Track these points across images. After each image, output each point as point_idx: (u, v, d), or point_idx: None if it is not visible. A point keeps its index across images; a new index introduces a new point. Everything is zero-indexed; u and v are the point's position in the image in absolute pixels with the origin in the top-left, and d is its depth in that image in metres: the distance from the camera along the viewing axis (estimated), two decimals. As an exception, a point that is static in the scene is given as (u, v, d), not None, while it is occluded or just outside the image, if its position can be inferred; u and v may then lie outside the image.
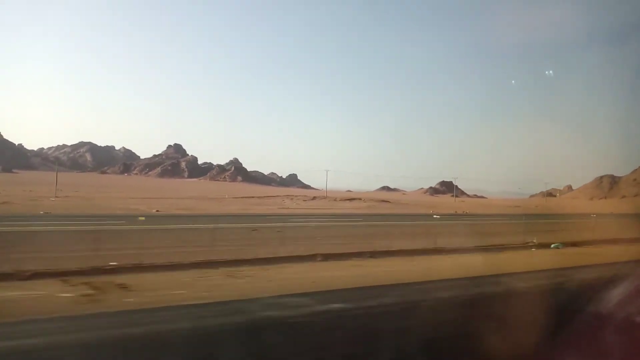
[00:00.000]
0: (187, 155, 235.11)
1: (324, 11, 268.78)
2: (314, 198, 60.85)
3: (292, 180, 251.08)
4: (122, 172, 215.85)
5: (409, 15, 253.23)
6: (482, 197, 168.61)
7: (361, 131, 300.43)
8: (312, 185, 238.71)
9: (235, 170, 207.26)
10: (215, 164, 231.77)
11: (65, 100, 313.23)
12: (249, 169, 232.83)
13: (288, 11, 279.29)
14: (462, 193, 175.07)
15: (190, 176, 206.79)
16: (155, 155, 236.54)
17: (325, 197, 61.44)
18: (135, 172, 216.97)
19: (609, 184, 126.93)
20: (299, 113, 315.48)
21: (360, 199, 63.33)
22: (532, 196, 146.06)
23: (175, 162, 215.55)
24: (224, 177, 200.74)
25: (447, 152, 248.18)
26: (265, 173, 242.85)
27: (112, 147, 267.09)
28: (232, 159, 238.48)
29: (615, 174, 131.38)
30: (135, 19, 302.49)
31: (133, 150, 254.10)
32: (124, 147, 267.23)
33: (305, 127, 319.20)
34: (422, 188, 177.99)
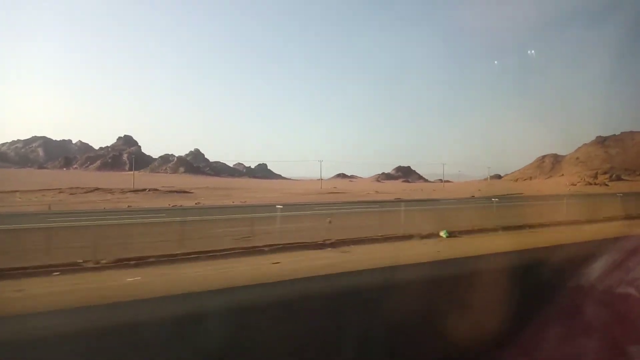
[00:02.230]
0: (137, 146, 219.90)
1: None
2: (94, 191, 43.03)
3: (261, 171, 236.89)
4: (62, 167, 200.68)
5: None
6: (447, 181, 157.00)
7: (335, 120, 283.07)
8: (282, 175, 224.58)
9: (177, 162, 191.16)
10: (177, 155, 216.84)
11: (20, 94, 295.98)
12: (211, 160, 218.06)
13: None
14: (420, 178, 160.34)
15: (132, 168, 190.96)
16: (101, 148, 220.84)
17: (145, 190, 43.23)
18: (75, 166, 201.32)
19: (550, 164, 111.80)
20: (270, 103, 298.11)
21: (187, 192, 45.63)
22: (492, 178, 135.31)
23: (116, 155, 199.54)
24: (165, 169, 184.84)
25: (421, 140, 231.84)
26: (231, 164, 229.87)
27: (69, 141, 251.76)
28: (192, 149, 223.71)
29: (559, 153, 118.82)
30: (96, 9, 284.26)
31: (90, 144, 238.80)
32: (80, 141, 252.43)
33: (279, 117, 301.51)
34: (376, 174, 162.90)
